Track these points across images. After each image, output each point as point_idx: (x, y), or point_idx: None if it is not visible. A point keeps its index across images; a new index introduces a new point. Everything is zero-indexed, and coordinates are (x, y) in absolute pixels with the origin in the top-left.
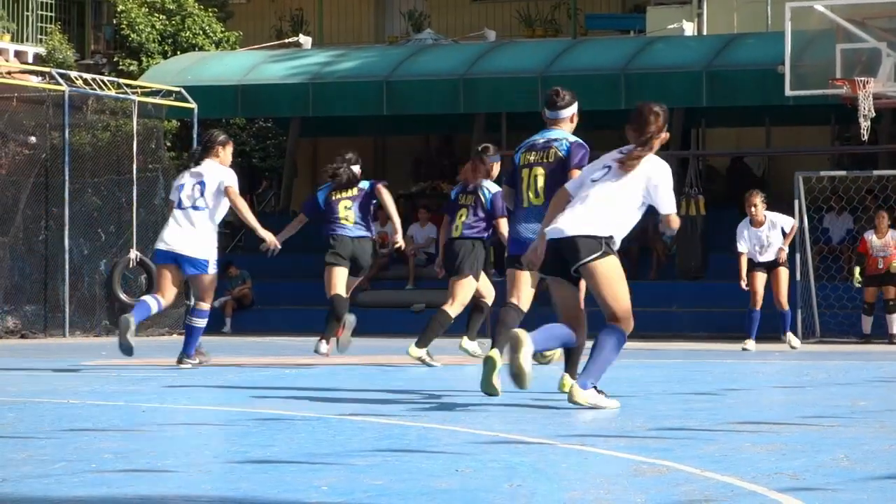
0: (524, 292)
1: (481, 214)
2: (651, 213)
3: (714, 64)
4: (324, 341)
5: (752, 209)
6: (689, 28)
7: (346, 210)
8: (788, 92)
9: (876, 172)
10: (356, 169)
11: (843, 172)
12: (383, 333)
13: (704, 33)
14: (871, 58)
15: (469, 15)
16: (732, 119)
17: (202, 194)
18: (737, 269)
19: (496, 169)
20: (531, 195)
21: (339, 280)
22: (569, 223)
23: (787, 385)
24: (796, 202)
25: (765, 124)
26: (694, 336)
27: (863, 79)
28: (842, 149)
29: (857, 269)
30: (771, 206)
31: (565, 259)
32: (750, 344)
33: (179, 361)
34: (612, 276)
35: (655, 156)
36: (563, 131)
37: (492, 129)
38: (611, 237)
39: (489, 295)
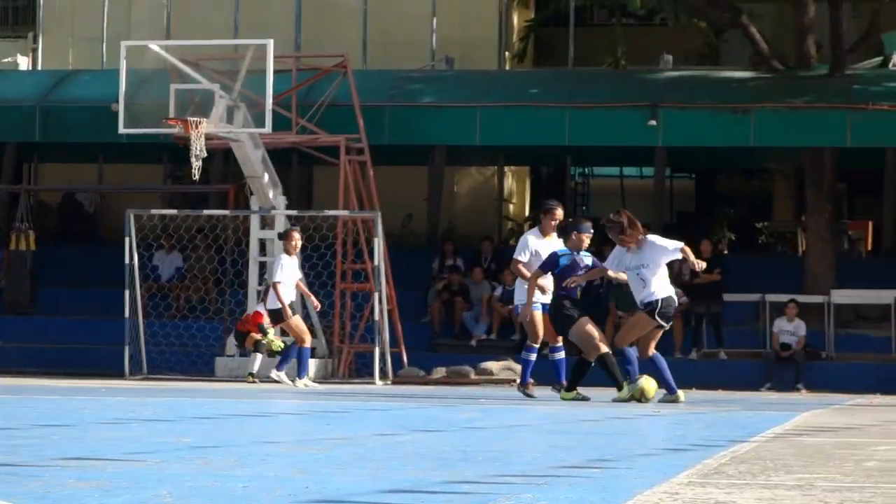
0: None
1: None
2: None
3: (48, 99)
4: None
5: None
6: (23, 62)
7: None
8: (122, 130)
9: (206, 212)
10: None
11: (173, 211)
12: None
13: (39, 68)
14: (204, 99)
15: None
16: (66, 155)
17: None
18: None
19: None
20: None
21: None
22: None
23: (111, 421)
24: (127, 239)
25: (98, 161)
26: (22, 371)
27: (196, 119)
28: (173, 188)
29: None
30: (104, 243)
31: None
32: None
33: None
34: None
35: None
36: None
37: None
38: None
39: None
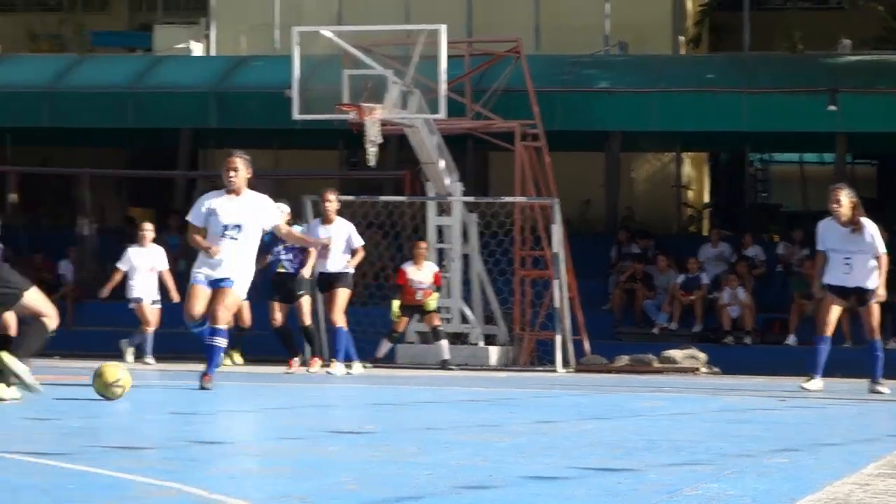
0: None
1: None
2: None
3: (222, 85)
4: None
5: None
6: (197, 48)
7: None
8: (296, 116)
9: (382, 198)
10: None
11: (351, 197)
12: None
13: (213, 54)
14: (377, 84)
15: None
16: (241, 141)
17: None
18: None
19: None
20: None
21: None
22: None
23: (265, 407)
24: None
25: (273, 147)
26: None
27: (369, 105)
28: (349, 174)
29: (396, 303)
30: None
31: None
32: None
33: None
34: None
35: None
36: None
37: None
38: None
39: None
